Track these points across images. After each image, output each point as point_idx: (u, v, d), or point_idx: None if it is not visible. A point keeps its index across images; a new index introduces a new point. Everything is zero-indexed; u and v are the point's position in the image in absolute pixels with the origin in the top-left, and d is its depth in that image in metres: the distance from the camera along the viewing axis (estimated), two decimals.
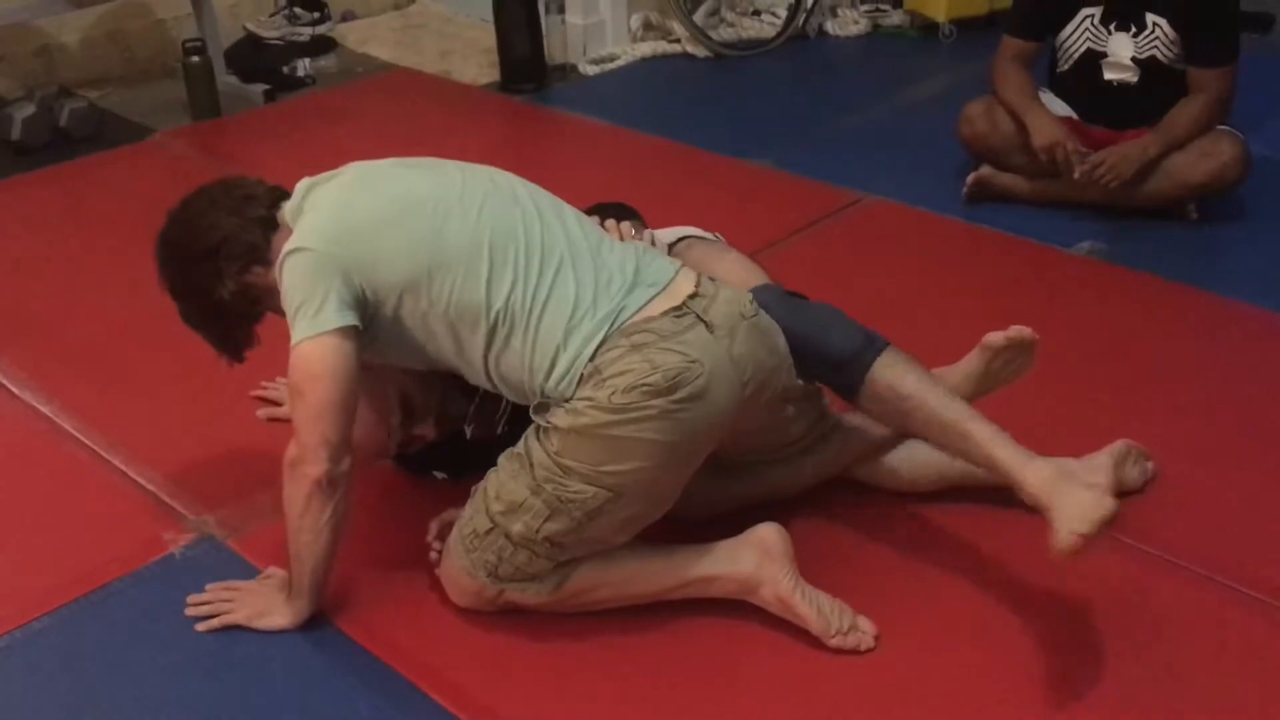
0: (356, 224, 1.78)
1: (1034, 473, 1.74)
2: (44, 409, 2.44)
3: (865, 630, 1.81)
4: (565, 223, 1.85)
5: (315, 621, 1.87)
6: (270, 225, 1.84)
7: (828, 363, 1.91)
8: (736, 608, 1.86)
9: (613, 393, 1.69)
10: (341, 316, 1.72)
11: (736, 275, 1.99)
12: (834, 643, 1.79)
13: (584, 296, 1.76)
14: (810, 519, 2.02)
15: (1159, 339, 2.60)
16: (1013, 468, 1.77)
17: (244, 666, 1.82)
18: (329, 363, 1.72)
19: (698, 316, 1.77)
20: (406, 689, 1.78)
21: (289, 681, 1.80)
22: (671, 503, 1.84)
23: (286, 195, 1.87)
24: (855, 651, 1.79)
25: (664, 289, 1.80)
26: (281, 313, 1.78)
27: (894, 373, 1.88)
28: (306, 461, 1.73)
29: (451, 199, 1.82)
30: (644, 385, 1.69)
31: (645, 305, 1.77)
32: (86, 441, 2.34)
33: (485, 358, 1.79)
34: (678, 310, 1.77)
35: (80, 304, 2.85)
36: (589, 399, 1.70)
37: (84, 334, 2.72)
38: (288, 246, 1.77)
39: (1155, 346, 2.56)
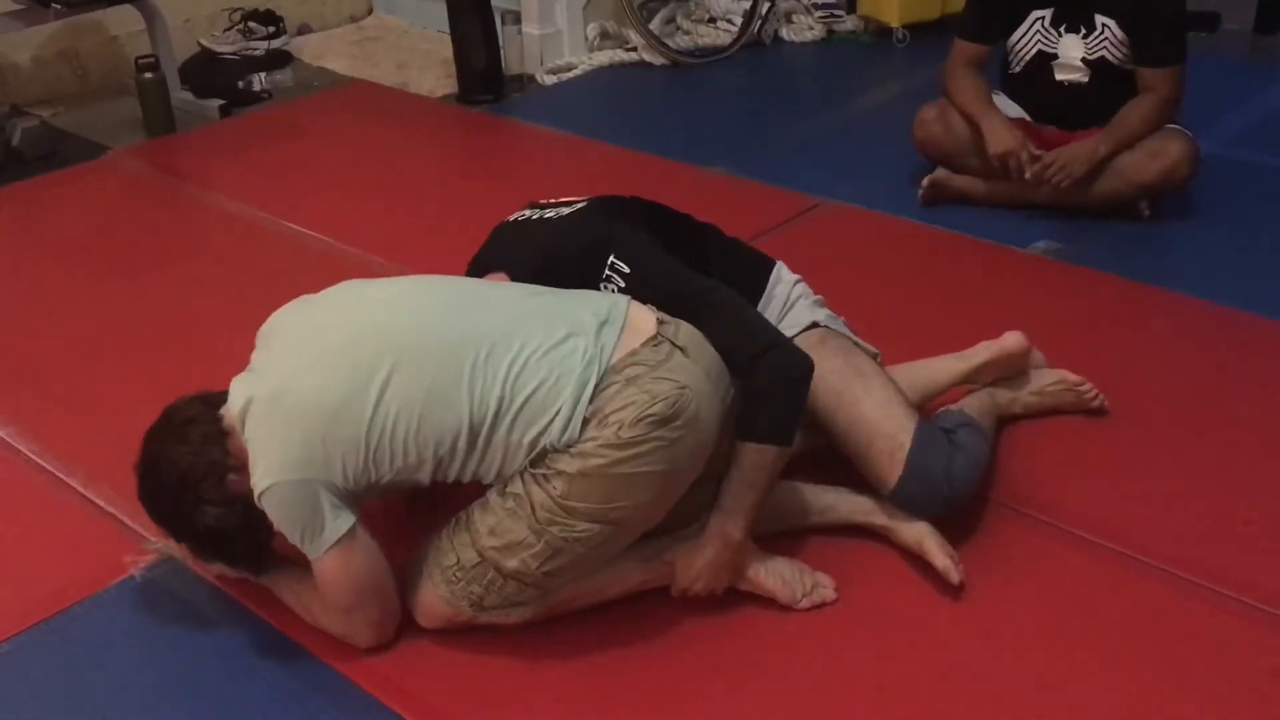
0: (310, 440, 1.72)
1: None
2: (0, 432, 2.42)
3: (825, 585, 1.92)
4: (506, 303, 1.84)
5: (281, 642, 1.87)
6: (220, 437, 1.79)
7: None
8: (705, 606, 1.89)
9: (619, 428, 1.71)
10: (337, 524, 1.73)
11: (880, 417, 1.98)
12: (803, 605, 1.89)
13: (555, 360, 1.75)
14: None
15: (1114, 335, 2.63)
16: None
17: (209, 690, 1.81)
18: (350, 567, 1.76)
19: (672, 344, 1.79)
20: (375, 707, 1.77)
21: (255, 704, 1.79)
22: (660, 520, 1.86)
23: (219, 396, 1.83)
24: (823, 605, 1.90)
25: (626, 323, 1.80)
26: None
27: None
28: (359, 640, 1.83)
29: (383, 353, 1.75)
30: (649, 417, 1.71)
31: (619, 341, 1.78)
32: (44, 464, 2.32)
33: (465, 466, 1.77)
34: (654, 340, 1.79)
35: (36, 324, 2.83)
36: (595, 438, 1.71)
37: (41, 355, 2.70)
38: (258, 485, 1.73)
39: (1110, 343, 2.60)
